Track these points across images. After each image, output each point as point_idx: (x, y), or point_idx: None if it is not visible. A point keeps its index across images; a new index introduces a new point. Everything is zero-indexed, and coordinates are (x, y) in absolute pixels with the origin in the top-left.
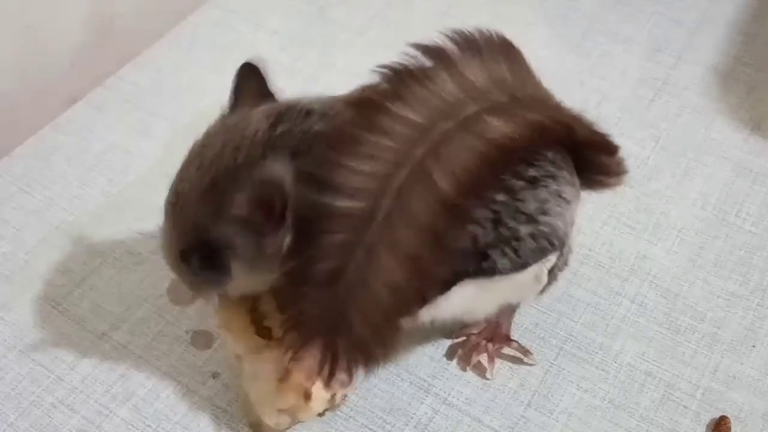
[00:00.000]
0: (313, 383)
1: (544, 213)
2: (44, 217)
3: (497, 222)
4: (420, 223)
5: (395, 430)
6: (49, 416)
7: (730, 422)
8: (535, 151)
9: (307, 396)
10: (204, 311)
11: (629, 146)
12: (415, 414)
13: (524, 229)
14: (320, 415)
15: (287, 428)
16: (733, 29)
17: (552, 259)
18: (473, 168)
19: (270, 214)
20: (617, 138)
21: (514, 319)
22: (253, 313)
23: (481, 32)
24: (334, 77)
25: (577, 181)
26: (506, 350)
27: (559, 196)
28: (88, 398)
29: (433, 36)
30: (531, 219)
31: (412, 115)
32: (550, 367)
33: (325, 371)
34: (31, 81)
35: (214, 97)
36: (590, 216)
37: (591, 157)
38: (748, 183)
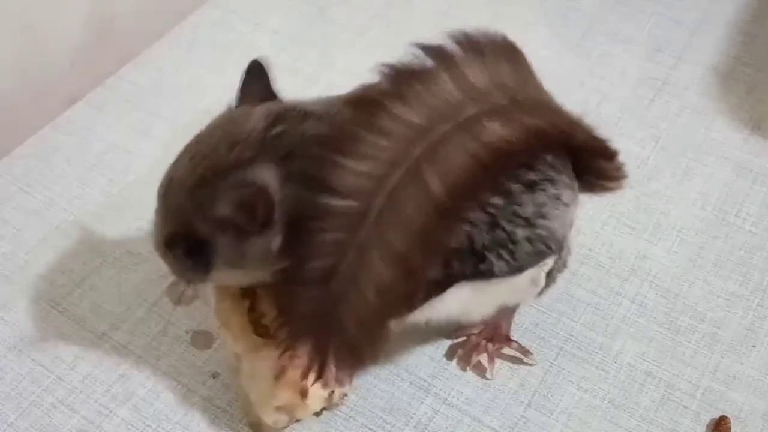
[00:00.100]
0: (308, 380)
1: (542, 217)
2: (44, 217)
3: (494, 225)
4: (410, 224)
5: (395, 430)
6: (49, 416)
7: (730, 422)
8: (535, 154)
9: (303, 393)
10: (204, 311)
11: (629, 146)
12: (415, 414)
13: (521, 233)
14: (317, 414)
15: (285, 427)
16: (733, 29)
17: (549, 262)
18: (467, 171)
19: (253, 218)
20: (617, 138)
21: (514, 319)
22: (252, 313)
23: (483, 33)
24: (334, 77)
25: (576, 184)
26: (506, 350)
27: (558, 199)
28: (88, 398)
29: (434, 36)
30: (528, 222)
31: (411, 116)
32: (550, 367)
33: (315, 369)
34: (31, 81)
35: (214, 97)
36: (590, 216)
37: (590, 162)
38: (748, 183)
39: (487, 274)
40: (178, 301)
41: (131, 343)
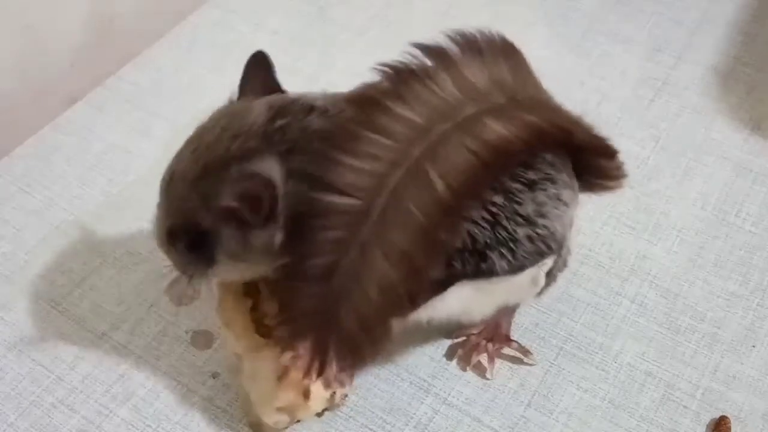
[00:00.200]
0: (312, 381)
1: (542, 216)
2: (44, 217)
3: (494, 224)
4: (413, 223)
5: (395, 430)
6: (49, 416)
7: (730, 422)
8: (534, 154)
9: (306, 394)
10: (204, 311)
11: (629, 146)
12: (415, 414)
13: (521, 231)
14: (319, 415)
15: (286, 427)
16: (733, 29)
17: (549, 262)
18: (468, 170)
19: (257, 210)
20: (617, 138)
21: (514, 319)
22: (254, 312)
23: (482, 33)
24: (334, 77)
25: (575, 184)
26: (506, 350)
27: (558, 199)
28: (88, 398)
29: (434, 36)
30: (528, 221)
31: (411, 115)
32: (550, 367)
33: (315, 367)
34: (31, 81)
35: (214, 97)
36: (590, 216)
37: (590, 161)
38: (748, 183)
39: (488, 273)
40: (178, 300)
41: (131, 343)
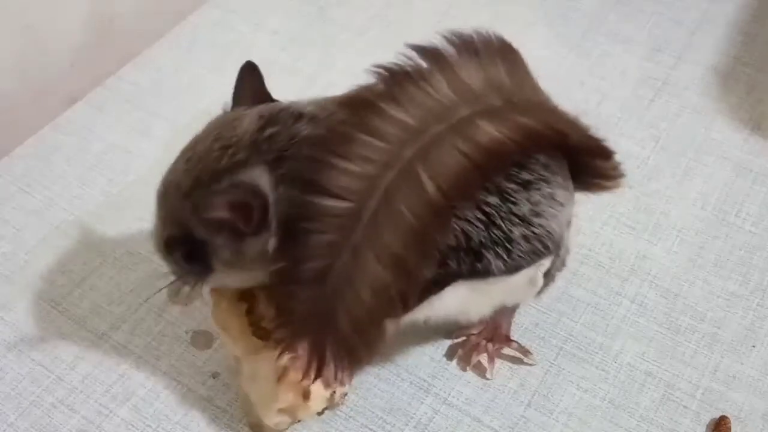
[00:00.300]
0: (311, 382)
1: (538, 215)
2: (44, 217)
3: (489, 223)
4: (404, 225)
5: (395, 430)
6: (49, 416)
7: (730, 422)
8: (528, 155)
9: (306, 395)
10: (204, 311)
11: (629, 146)
12: (415, 414)
13: (517, 231)
14: (320, 413)
15: (286, 428)
16: (733, 29)
17: (546, 263)
18: (459, 171)
19: (248, 219)
20: (617, 138)
21: (514, 319)
22: (251, 315)
23: (479, 34)
24: (334, 77)
25: (571, 185)
26: (506, 350)
27: (553, 198)
28: (88, 398)
29: (432, 36)
30: (524, 220)
31: (404, 117)
32: (550, 367)
33: (313, 369)
34: (31, 81)
35: (214, 97)
36: (590, 216)
37: (587, 161)
38: (748, 183)
39: (484, 273)
40: (178, 301)
41: (131, 343)
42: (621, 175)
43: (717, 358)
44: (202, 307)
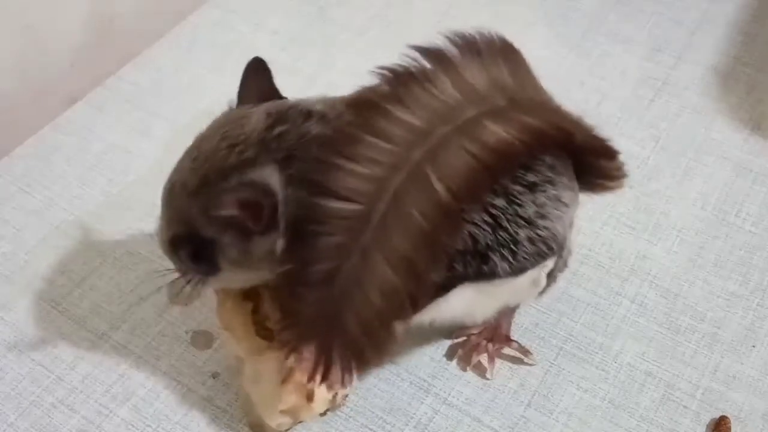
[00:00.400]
0: (315, 383)
1: (543, 217)
2: (44, 217)
3: (496, 226)
4: (414, 227)
5: (395, 430)
6: (49, 416)
7: (730, 422)
8: (534, 155)
9: (309, 396)
10: (204, 311)
11: (629, 146)
12: (415, 414)
13: (523, 233)
14: (322, 414)
15: (288, 429)
16: (733, 29)
17: (550, 264)
18: (469, 173)
19: (258, 218)
20: (617, 138)
21: (514, 319)
22: (255, 315)
23: (481, 34)
24: (334, 77)
25: (576, 185)
26: (506, 350)
27: (558, 200)
28: (88, 398)
29: (434, 37)
30: (529, 223)
31: (411, 118)
32: (550, 367)
33: (320, 371)
34: (31, 81)
35: (214, 97)
36: (590, 216)
37: (591, 161)
38: (748, 183)
39: (490, 275)
40: (178, 301)
41: (131, 343)
42: (624, 176)
43: (717, 358)
44: (202, 307)
